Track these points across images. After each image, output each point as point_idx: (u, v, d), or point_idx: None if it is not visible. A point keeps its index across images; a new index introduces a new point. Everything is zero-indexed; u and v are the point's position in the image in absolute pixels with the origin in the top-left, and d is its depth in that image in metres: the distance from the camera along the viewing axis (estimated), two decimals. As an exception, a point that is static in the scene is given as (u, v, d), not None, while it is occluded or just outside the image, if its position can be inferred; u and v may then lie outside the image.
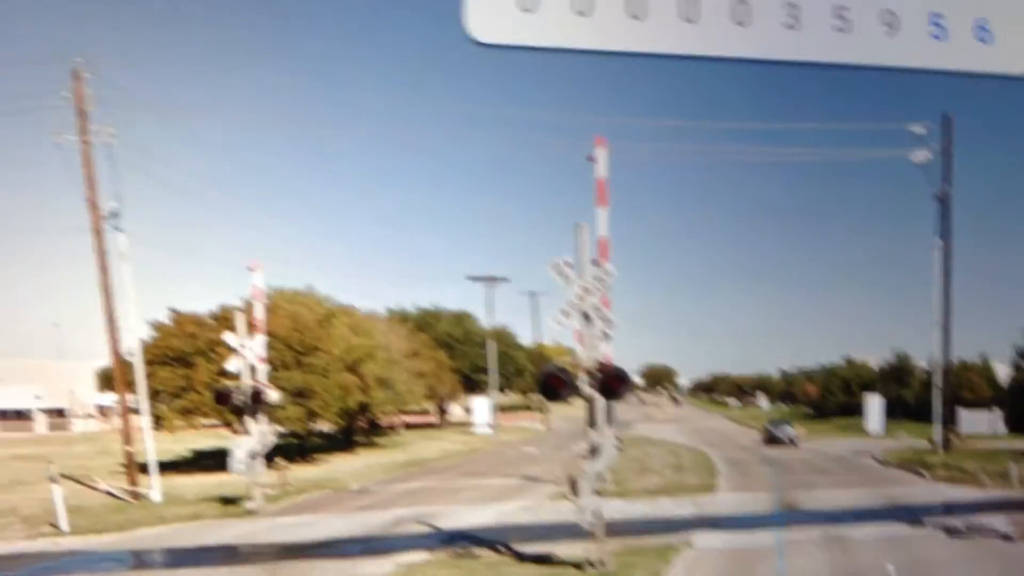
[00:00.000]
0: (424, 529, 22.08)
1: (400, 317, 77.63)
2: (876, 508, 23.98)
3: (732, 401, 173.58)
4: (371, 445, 58.92)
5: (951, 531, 19.20)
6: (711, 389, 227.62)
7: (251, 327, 27.04)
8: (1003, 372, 65.63)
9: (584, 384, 15.04)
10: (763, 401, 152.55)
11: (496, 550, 18.05)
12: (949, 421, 43.96)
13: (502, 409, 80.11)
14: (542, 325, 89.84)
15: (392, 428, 76.21)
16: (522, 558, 16.91)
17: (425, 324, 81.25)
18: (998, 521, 20.04)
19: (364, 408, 50.43)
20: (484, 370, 76.51)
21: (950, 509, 23.40)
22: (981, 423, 61.79)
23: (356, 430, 60.14)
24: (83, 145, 30.48)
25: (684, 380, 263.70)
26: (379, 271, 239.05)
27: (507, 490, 30.66)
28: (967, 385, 68.72)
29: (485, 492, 30.34)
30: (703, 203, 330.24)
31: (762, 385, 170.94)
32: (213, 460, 38.90)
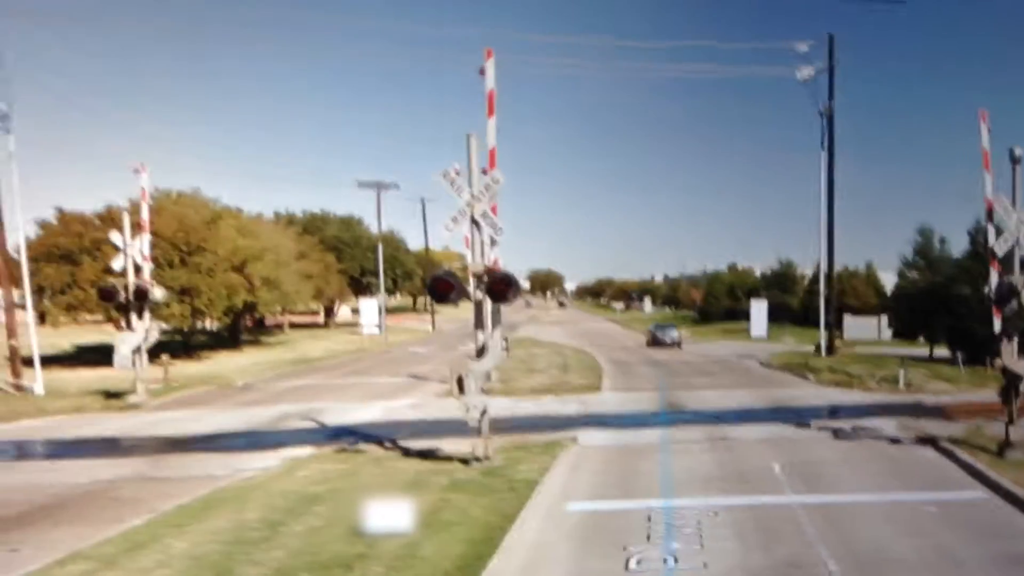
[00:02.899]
0: (310, 425, 22.08)
1: (288, 220, 76.15)
2: (761, 409, 23.73)
3: (617, 305, 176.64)
4: (257, 344, 58.36)
5: (838, 433, 19.18)
6: (597, 293, 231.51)
7: (136, 227, 26.59)
8: (889, 280, 66.78)
9: (472, 288, 15.11)
10: (648, 305, 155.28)
11: (382, 445, 18.18)
12: (834, 327, 44.76)
13: (390, 311, 79.91)
14: (431, 230, 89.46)
15: (279, 328, 75.48)
16: (408, 453, 17.07)
17: (313, 227, 80.00)
18: (886, 424, 20.16)
19: (250, 308, 49.87)
20: (373, 273, 76.01)
21: (836, 412, 23.29)
22: (867, 329, 62.49)
23: (242, 329, 59.43)
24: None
25: (570, 284, 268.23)
26: (268, 176, 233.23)
27: (394, 388, 30.80)
28: (852, 292, 70.64)
29: (372, 390, 30.41)
30: (592, 115, 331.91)
31: (647, 290, 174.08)
32: (97, 355, 38.01)
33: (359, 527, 11.07)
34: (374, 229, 76.93)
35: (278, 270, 49.93)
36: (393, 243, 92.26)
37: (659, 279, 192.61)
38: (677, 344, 56.64)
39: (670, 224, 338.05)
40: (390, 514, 11.35)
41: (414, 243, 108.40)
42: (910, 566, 9.89)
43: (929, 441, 17.73)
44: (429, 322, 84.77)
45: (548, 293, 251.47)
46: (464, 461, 15.49)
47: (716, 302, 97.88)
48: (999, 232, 15.86)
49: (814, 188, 43.35)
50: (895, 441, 18.21)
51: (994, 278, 15.95)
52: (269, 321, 74.23)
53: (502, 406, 22.13)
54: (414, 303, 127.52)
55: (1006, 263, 16.12)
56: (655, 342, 57.59)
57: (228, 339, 55.23)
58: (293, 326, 77.61)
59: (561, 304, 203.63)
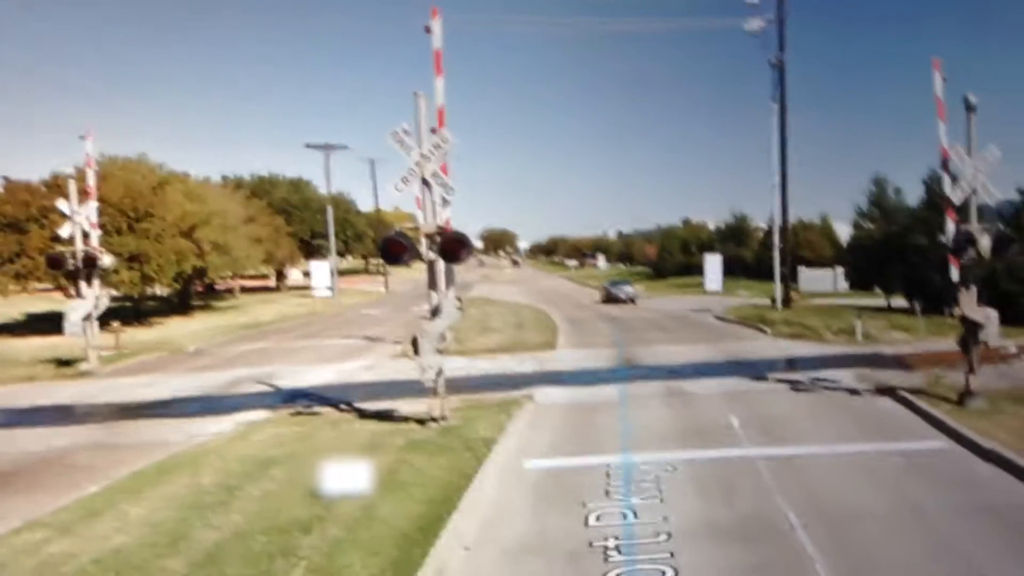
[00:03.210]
0: (264, 388, 21.87)
1: (236, 184, 74.97)
2: (717, 363, 23.77)
3: (571, 263, 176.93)
4: (208, 309, 57.67)
5: (795, 385, 19.31)
6: (551, 251, 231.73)
7: (83, 194, 26.14)
8: (844, 232, 66.37)
9: (425, 248, 14.95)
10: (602, 262, 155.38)
11: (338, 408, 18.07)
12: (789, 279, 44.86)
13: (342, 273, 79.29)
14: (381, 192, 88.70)
15: (229, 293, 74.59)
16: (364, 415, 16.98)
17: (262, 191, 78.97)
18: (844, 375, 20.39)
19: (200, 273, 49.26)
20: (323, 235, 75.22)
21: (793, 364, 23.36)
22: (822, 281, 62.39)
23: (192, 294, 58.65)
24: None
25: (524, 243, 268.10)
26: (215, 140, 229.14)
27: (348, 350, 30.59)
28: (807, 244, 70.79)
29: (326, 352, 30.19)
30: (542, 72, 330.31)
31: (601, 247, 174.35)
32: (48, 324, 37.37)
33: (316, 490, 10.98)
34: (324, 191, 76.10)
35: (227, 234, 49.29)
36: (343, 205, 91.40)
37: (613, 236, 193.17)
38: (632, 300, 56.46)
39: (623, 180, 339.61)
40: (347, 476, 11.28)
41: (365, 205, 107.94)
42: (873, 516, 10.02)
43: (888, 392, 17.96)
44: (382, 284, 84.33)
45: (501, 252, 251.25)
46: (420, 422, 15.44)
47: (670, 257, 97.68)
48: (955, 180, 15.95)
49: (767, 140, 43.40)
50: (854, 392, 18.43)
51: (950, 227, 16.06)
52: (219, 286, 73.28)
53: (458, 366, 22.12)
54: (366, 265, 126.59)
55: (962, 212, 16.25)
56: (610, 299, 57.39)
57: (178, 305, 54.46)
58: (244, 291, 76.74)
59: (515, 263, 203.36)
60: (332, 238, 69.28)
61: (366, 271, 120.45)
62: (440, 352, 15.26)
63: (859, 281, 50.97)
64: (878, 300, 44.69)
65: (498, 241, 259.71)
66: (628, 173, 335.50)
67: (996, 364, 20.19)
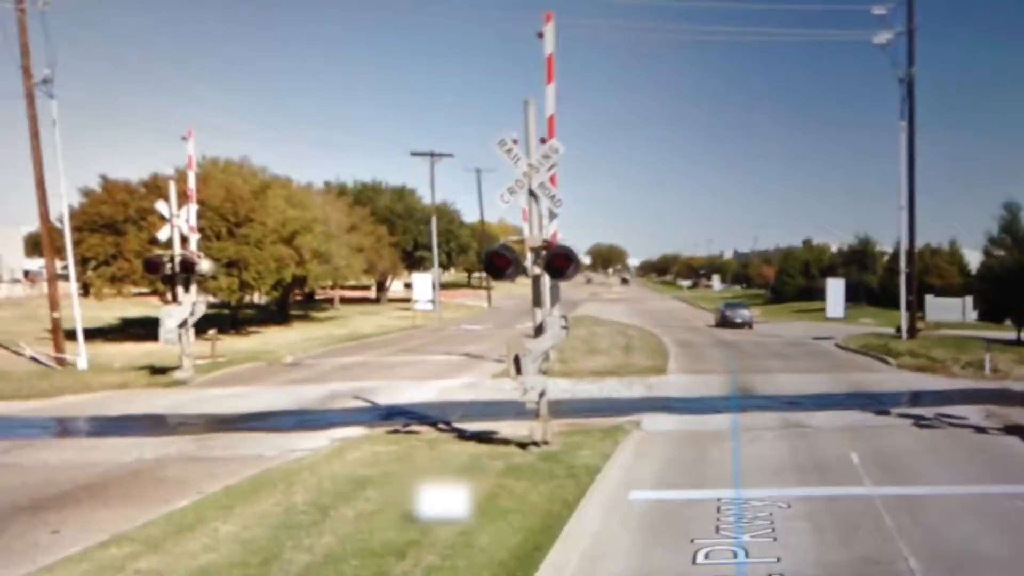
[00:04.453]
0: (361, 404, 22.25)
1: (339, 190, 76.81)
2: (837, 395, 23.39)
3: (684, 282, 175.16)
4: (307, 319, 59.05)
5: (920, 421, 18.72)
6: (662, 270, 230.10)
7: (183, 196, 26.88)
8: (974, 259, 64.91)
9: (530, 263, 15.01)
10: (716, 283, 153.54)
11: (436, 427, 18.24)
12: (916, 307, 43.53)
13: (444, 287, 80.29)
14: (487, 203, 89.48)
15: (329, 303, 76.34)
16: (463, 436, 17.09)
17: (365, 198, 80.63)
18: (971, 412, 19.70)
19: (300, 281, 50.42)
20: (426, 246, 76.38)
21: (917, 398, 22.92)
22: (950, 310, 61.81)
23: (291, 303, 60.15)
24: (18, 13, 30.09)
25: (634, 260, 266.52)
26: (319, 143, 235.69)
27: (448, 367, 30.91)
28: (935, 271, 69.00)
29: (425, 368, 30.56)
30: (658, 82, 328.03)
31: (716, 267, 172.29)
32: (143, 329, 38.81)
33: (412, 513, 11.07)
34: (428, 200, 77.27)
35: (328, 242, 50.41)
36: (447, 215, 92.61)
37: (728, 255, 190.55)
38: (748, 324, 55.92)
39: (741, 198, 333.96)
40: (444, 499, 11.35)
41: (469, 215, 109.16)
42: (1000, 564, 9.58)
43: (1018, 430, 17.29)
44: (484, 298, 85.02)
45: (610, 269, 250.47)
46: (522, 445, 15.45)
47: (789, 280, 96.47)
48: None
49: (895, 160, 42.24)
50: (981, 430, 17.79)
51: None
52: (319, 295, 75.13)
53: (561, 388, 22.09)
54: (469, 279, 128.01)
55: None
56: (725, 322, 56.84)
57: (277, 314, 55.93)
58: (344, 301, 78.42)
59: (624, 281, 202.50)
60: (435, 249, 70.30)
61: (469, 285, 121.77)
62: (543, 372, 15.28)
63: (989, 311, 49.55)
64: (1009, 332, 43.50)
65: (607, 257, 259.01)
66: (746, 190, 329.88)
67: None
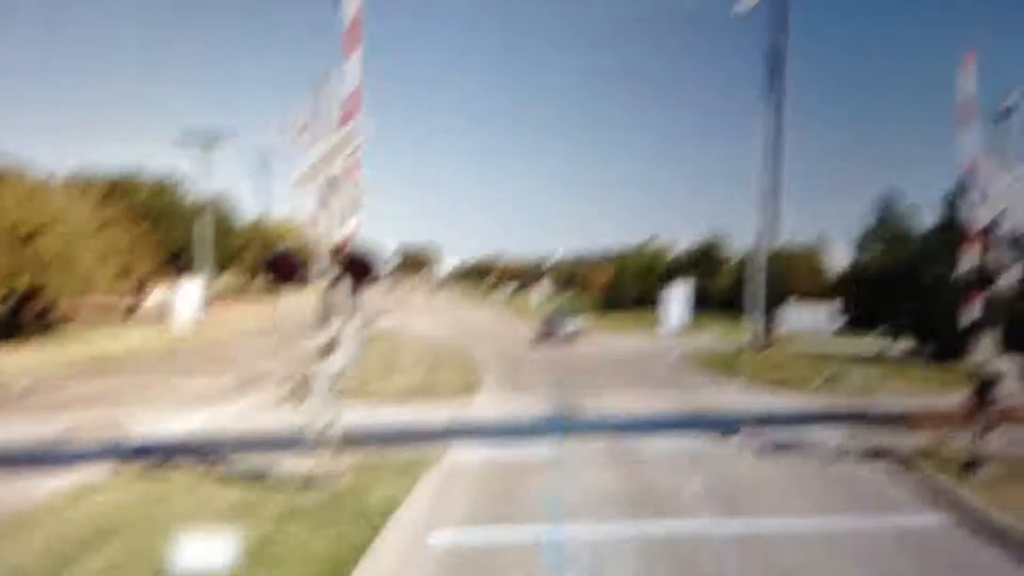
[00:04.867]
0: (111, 437, 21.29)
1: (85, 183, 73.71)
2: (678, 417, 23.95)
3: (506, 289, 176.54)
4: (46, 335, 56.34)
5: (771, 445, 19.43)
6: (482, 274, 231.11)
7: None
8: (844, 258, 66.58)
9: (322, 267, 14.81)
10: (543, 289, 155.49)
11: (203, 463, 17.72)
12: (771, 316, 44.59)
13: (218, 296, 78.29)
14: (273, 195, 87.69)
15: (75, 316, 73.07)
16: (236, 472, 16.67)
17: (120, 192, 77.66)
18: (831, 434, 20.59)
19: (37, 291, 48.15)
20: (196, 248, 74.27)
21: (769, 420, 23.53)
22: (812, 319, 62.65)
23: (27, 317, 57.30)
24: None
25: (447, 263, 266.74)
26: (64, 125, 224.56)
27: (220, 392, 30.15)
28: (795, 273, 70.74)
29: (192, 393, 29.73)
30: (482, 52, 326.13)
31: (543, 270, 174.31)
32: None
33: (167, 565, 10.71)
34: (197, 192, 75.14)
35: (73, 246, 48.35)
36: (223, 211, 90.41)
37: (558, 257, 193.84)
38: (577, 336, 56.82)
39: (574, 189, 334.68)
40: (207, 549, 11.03)
41: (251, 211, 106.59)
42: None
43: (883, 455, 18.17)
44: (267, 309, 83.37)
45: (420, 273, 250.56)
46: (306, 482, 15.21)
47: (626, 286, 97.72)
48: (982, 199, 15.81)
49: (755, 146, 42.46)
50: (842, 455, 18.62)
51: (972, 255, 15.98)
52: (63, 308, 71.78)
53: (357, 414, 21.86)
54: (249, 286, 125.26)
55: (989, 237, 16.05)
56: (550, 334, 57.36)
57: (9, 330, 53.13)
58: (94, 313, 75.21)
59: (436, 287, 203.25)
60: (206, 253, 68.43)
61: (250, 293, 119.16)
62: (336, 396, 15.10)
63: (859, 318, 50.32)
64: (880, 343, 44.84)
65: (417, 260, 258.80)
66: (581, 181, 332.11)
67: (1017, 424, 20.44)
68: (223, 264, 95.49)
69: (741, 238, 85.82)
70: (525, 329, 68.57)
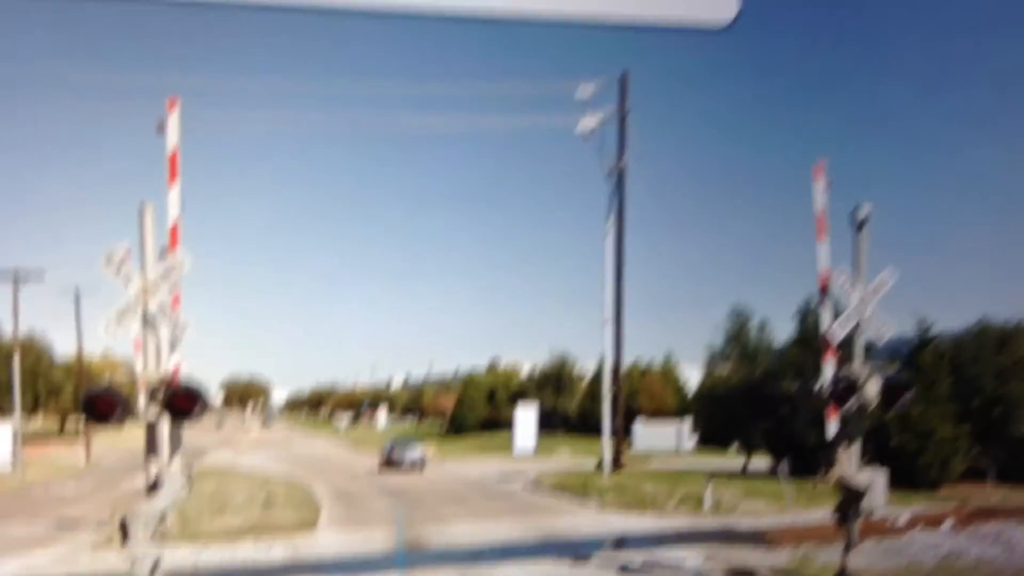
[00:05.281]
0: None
1: None
2: (527, 544, 23.86)
3: (343, 418, 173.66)
4: None
5: (627, 570, 19.33)
6: (316, 404, 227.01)
7: None
8: (694, 377, 66.67)
9: (143, 404, 14.42)
10: (382, 417, 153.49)
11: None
12: (622, 435, 44.40)
13: (29, 439, 74.53)
14: (87, 333, 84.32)
15: None
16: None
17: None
18: (688, 555, 20.63)
19: None
20: (5, 390, 70.86)
21: (625, 543, 23.73)
22: (664, 437, 63.23)
23: None
24: None
25: (281, 395, 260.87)
26: None
27: (33, 539, 28.58)
28: (646, 392, 71.33)
29: (3, 542, 28.07)
30: (305, 177, 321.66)
31: (382, 398, 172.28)
32: None
33: None
34: (7, 333, 72.11)
35: None
36: (34, 351, 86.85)
37: (398, 384, 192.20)
38: (421, 465, 56.45)
39: (411, 315, 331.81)
40: None
41: (64, 349, 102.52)
42: None
43: (745, 575, 18.29)
44: (83, 451, 79.78)
45: (249, 407, 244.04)
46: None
47: (471, 410, 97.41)
48: (837, 312, 15.97)
49: (600, 267, 42.58)
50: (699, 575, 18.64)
51: (829, 369, 16.01)
52: None
53: (182, 556, 21.15)
54: (62, 426, 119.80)
55: (845, 351, 16.24)
56: (392, 463, 57.04)
57: None
58: None
59: (267, 420, 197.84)
60: (16, 393, 65.39)
61: (63, 433, 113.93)
62: (159, 538, 14.58)
63: (711, 436, 50.91)
64: (734, 461, 45.45)
65: (244, 393, 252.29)
66: (418, 307, 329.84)
67: (883, 538, 20.85)
68: (38, 404, 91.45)
69: (587, 359, 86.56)
70: (365, 459, 67.61)
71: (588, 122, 40.80)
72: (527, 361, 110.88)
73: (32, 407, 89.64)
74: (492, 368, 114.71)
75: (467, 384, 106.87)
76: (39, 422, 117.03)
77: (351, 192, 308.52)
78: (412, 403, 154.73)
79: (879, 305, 15.65)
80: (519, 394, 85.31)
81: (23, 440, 64.83)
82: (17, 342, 67.64)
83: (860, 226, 15.81)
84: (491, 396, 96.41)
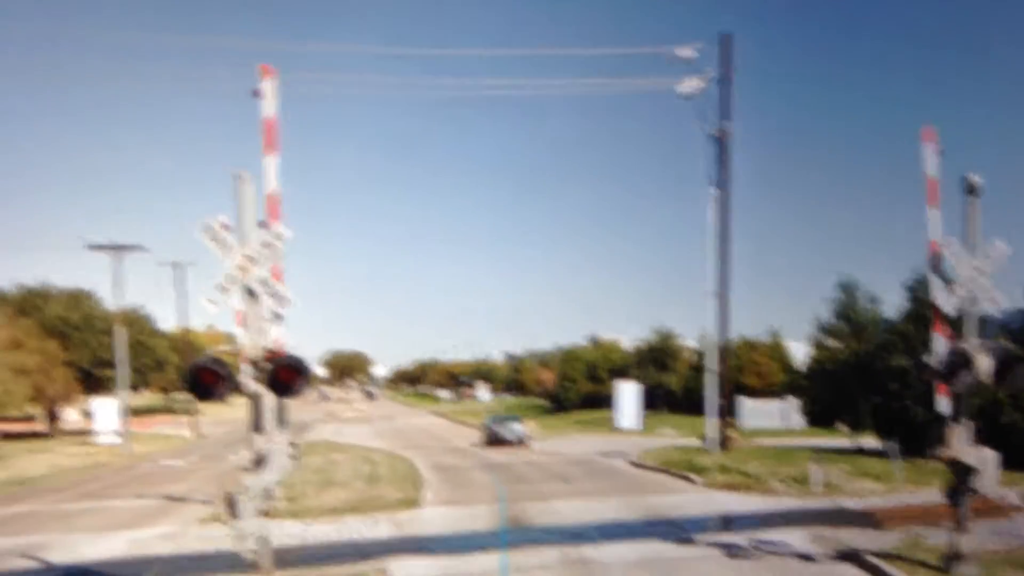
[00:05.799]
0: (29, 565, 20.66)
1: (-2, 297, 72.41)
2: (632, 523, 23.62)
3: (445, 393, 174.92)
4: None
5: (731, 550, 19.07)
6: (417, 380, 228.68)
7: None
8: (802, 353, 65.30)
9: (247, 378, 14.36)
10: (484, 392, 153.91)
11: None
12: (728, 413, 43.43)
13: (136, 412, 76.56)
14: (190, 305, 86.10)
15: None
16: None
17: (30, 307, 76.17)
18: (795, 536, 20.30)
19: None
20: (111, 364, 72.69)
21: (730, 523, 23.51)
22: (771, 415, 62.15)
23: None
24: None
25: (382, 369, 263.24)
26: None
27: (142, 513, 29.27)
28: (753, 369, 70.20)
29: (112, 517, 28.80)
30: (409, 153, 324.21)
31: (483, 373, 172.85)
32: None
33: None
34: (111, 305, 73.82)
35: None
36: (138, 324, 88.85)
37: (498, 359, 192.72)
38: (522, 441, 56.65)
39: (512, 290, 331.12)
40: None
41: (168, 322, 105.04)
42: None
43: (852, 557, 17.90)
44: (188, 425, 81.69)
45: (351, 381, 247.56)
46: (238, 608, 14.61)
47: (572, 386, 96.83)
48: (948, 285, 15.44)
49: (702, 238, 41.31)
50: (807, 558, 18.35)
51: (940, 344, 15.55)
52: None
53: (289, 532, 21.43)
54: (169, 401, 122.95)
55: (956, 325, 15.69)
56: (493, 440, 57.39)
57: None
58: (5, 437, 73.08)
59: (369, 395, 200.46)
60: (123, 368, 67.02)
61: (169, 409, 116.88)
62: (265, 514, 14.57)
63: (819, 414, 49.87)
64: (842, 439, 44.42)
65: (347, 368, 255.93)
66: (519, 282, 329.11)
67: (994, 519, 20.27)
68: (143, 378, 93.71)
69: (692, 334, 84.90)
70: (467, 433, 67.86)
71: (692, 82, 39.58)
72: (626, 338, 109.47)
73: (138, 382, 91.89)
74: (593, 343, 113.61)
75: (568, 359, 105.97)
76: (145, 396, 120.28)
77: (450, 163, 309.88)
78: (513, 378, 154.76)
79: (991, 277, 15.17)
80: (620, 370, 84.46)
81: (131, 414, 66.57)
82: (121, 315, 69.28)
83: (971, 191, 15.28)
84: (592, 372, 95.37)
